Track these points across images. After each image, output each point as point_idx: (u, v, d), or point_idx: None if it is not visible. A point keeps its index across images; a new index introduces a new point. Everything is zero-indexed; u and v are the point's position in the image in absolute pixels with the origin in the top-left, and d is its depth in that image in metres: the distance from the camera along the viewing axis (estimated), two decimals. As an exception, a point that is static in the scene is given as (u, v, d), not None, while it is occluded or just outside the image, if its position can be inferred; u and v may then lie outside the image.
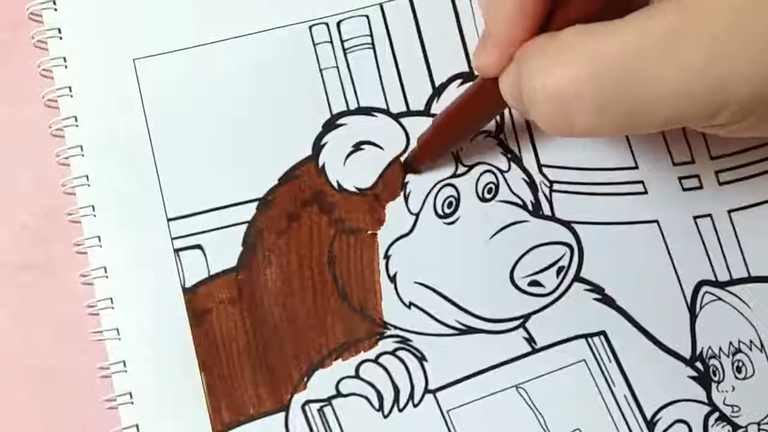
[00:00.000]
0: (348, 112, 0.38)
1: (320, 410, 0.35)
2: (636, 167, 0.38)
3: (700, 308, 0.37)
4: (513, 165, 0.38)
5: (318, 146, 0.37)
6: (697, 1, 0.24)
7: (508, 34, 0.28)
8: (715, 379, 0.37)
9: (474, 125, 0.35)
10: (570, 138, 0.37)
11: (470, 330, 0.36)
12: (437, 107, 0.38)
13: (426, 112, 0.38)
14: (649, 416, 0.36)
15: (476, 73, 0.30)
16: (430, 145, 0.36)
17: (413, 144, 0.37)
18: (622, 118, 0.25)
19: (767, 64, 0.23)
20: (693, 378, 0.37)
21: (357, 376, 0.35)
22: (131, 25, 0.38)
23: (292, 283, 0.36)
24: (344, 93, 0.38)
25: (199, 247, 0.36)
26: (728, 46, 0.23)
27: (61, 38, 0.38)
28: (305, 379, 0.35)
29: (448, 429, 0.35)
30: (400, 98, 0.38)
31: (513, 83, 0.28)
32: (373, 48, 0.38)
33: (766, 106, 0.24)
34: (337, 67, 0.38)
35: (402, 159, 0.37)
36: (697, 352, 0.37)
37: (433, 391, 0.36)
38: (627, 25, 0.25)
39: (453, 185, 0.37)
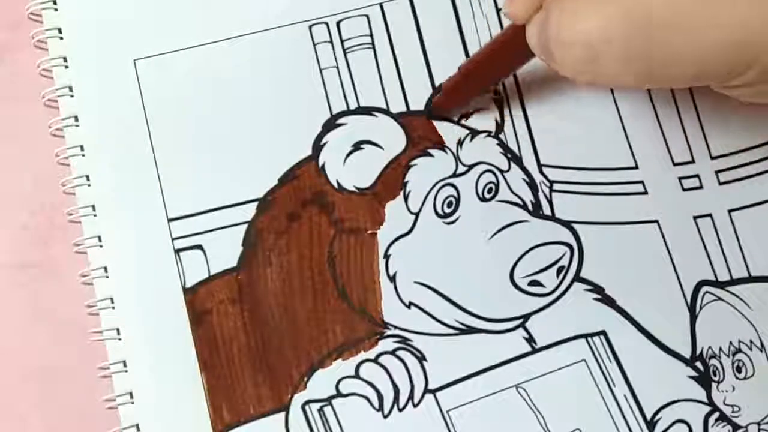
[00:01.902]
0: (348, 112, 0.38)
1: (320, 410, 0.35)
2: (636, 167, 0.38)
3: (700, 308, 0.37)
4: (513, 165, 0.38)
5: (318, 146, 0.37)
6: None
7: None
8: (715, 379, 0.37)
9: (500, 73, 0.35)
10: (594, 85, 0.36)
11: (470, 330, 0.36)
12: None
13: (426, 112, 0.38)
14: (649, 416, 0.36)
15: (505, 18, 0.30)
16: (455, 91, 0.36)
17: (413, 144, 0.37)
18: (650, 68, 0.25)
19: None
20: (693, 378, 0.37)
21: (357, 375, 0.35)
22: (131, 25, 0.38)
23: (292, 283, 0.36)
24: (344, 93, 0.38)
25: (199, 247, 0.36)
26: (763, 3, 0.23)
27: (61, 38, 0.38)
28: (305, 379, 0.35)
29: (448, 429, 0.35)
30: (400, 98, 0.38)
31: (540, 31, 0.28)
32: (373, 48, 0.38)
33: None
34: (337, 66, 0.38)
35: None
36: (697, 352, 0.37)
37: (433, 391, 0.36)
38: None
39: (453, 185, 0.37)
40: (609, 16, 0.25)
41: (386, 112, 0.38)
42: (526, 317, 0.36)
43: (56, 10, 0.38)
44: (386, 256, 0.36)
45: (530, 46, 0.30)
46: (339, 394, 0.35)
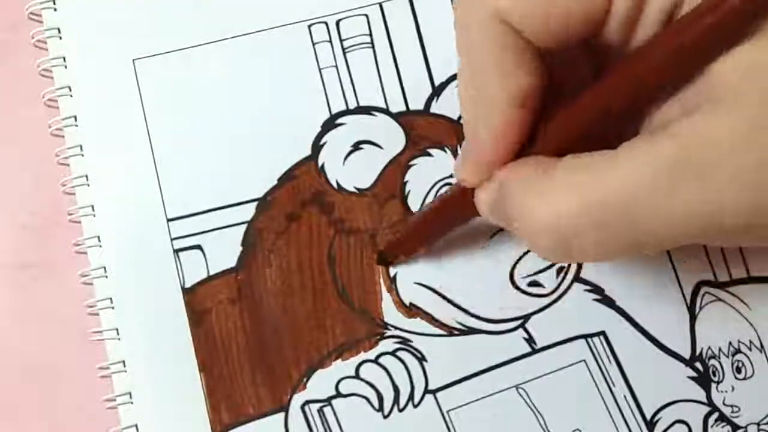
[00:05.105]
0: (347, 112, 0.38)
1: (320, 410, 0.35)
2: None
3: (700, 308, 0.37)
4: (513, 165, 0.38)
5: (317, 146, 0.37)
6: (690, 136, 0.24)
7: (494, 153, 0.27)
8: (715, 379, 0.36)
9: (449, 227, 0.35)
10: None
11: (470, 330, 0.36)
12: (437, 107, 0.38)
13: (426, 112, 0.38)
14: (649, 416, 0.36)
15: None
16: (405, 243, 0.36)
17: (412, 143, 0.37)
18: (623, 250, 0.26)
19: (754, 197, 0.23)
20: (693, 378, 0.36)
21: (357, 376, 0.35)
22: (130, 25, 0.38)
23: (292, 283, 0.36)
24: (343, 92, 0.38)
25: (198, 247, 0.36)
26: (720, 183, 0.23)
27: (60, 38, 0.38)
28: (305, 379, 0.35)
29: (448, 429, 0.35)
30: (399, 98, 0.38)
31: (495, 202, 0.28)
32: (373, 47, 0.38)
33: (759, 230, 0.24)
34: (336, 66, 0.38)
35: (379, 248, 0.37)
36: (697, 352, 0.37)
37: (433, 392, 0.36)
38: (621, 161, 0.25)
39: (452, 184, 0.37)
40: (575, 210, 0.25)
41: (386, 111, 0.38)
42: (525, 318, 0.36)
43: (56, 10, 0.38)
44: (386, 257, 0.36)
45: (480, 213, 0.29)
46: (339, 395, 0.35)
